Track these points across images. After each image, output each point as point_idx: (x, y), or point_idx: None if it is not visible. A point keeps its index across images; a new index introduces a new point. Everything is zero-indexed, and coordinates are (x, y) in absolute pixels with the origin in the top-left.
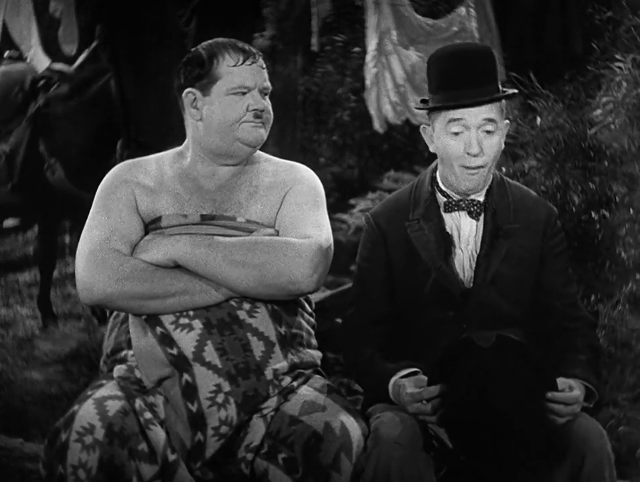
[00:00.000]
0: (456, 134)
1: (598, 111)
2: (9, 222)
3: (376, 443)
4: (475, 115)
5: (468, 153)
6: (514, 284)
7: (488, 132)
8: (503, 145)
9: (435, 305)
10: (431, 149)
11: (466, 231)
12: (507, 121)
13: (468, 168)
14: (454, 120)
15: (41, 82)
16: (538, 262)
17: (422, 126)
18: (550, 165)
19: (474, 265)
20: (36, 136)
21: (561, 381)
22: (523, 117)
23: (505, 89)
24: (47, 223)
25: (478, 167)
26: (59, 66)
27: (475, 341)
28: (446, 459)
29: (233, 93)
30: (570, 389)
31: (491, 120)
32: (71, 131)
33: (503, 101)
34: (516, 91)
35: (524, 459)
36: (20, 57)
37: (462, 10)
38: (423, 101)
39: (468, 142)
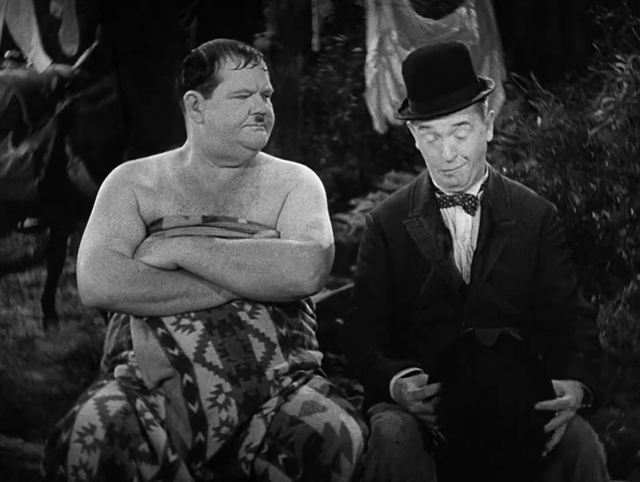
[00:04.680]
0: (430, 140)
1: (599, 111)
2: (29, 223)
3: (377, 443)
4: (444, 123)
5: (442, 158)
6: (511, 281)
7: (462, 135)
8: (491, 136)
9: (434, 302)
10: (416, 145)
11: (461, 226)
12: (492, 111)
13: (446, 171)
14: (425, 127)
15: (67, 83)
16: (535, 258)
17: (407, 123)
18: (551, 165)
19: (471, 261)
20: (63, 135)
21: (555, 385)
22: (524, 117)
23: (485, 79)
24: (62, 222)
25: (456, 168)
26: (78, 71)
27: (477, 338)
28: (447, 459)
29: (235, 96)
30: (562, 394)
31: (462, 123)
32: (96, 131)
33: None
34: (488, 91)
35: (518, 459)
36: (21, 58)
37: (462, 10)
38: (406, 100)
39: (440, 148)
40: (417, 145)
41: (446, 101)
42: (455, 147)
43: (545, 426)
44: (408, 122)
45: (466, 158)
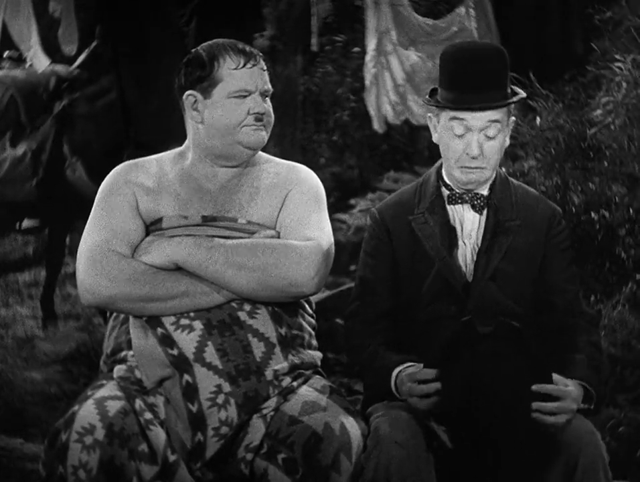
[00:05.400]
0: (458, 135)
1: (598, 111)
2: (28, 223)
3: (376, 443)
4: (478, 118)
5: (467, 154)
6: (514, 280)
7: (491, 133)
8: (508, 141)
9: (437, 299)
10: (434, 139)
11: (468, 224)
12: (513, 118)
13: (467, 168)
14: (457, 119)
15: (66, 83)
16: (540, 260)
17: (428, 115)
18: (550, 165)
19: (475, 259)
20: (61, 135)
21: (556, 379)
22: (523, 117)
23: (514, 88)
24: (60, 223)
25: (477, 168)
26: (77, 71)
27: (475, 326)
28: (446, 459)
29: (234, 96)
30: (565, 386)
31: (495, 122)
32: (94, 131)
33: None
34: (524, 95)
35: (516, 448)
36: (20, 57)
37: (462, 10)
38: (434, 89)
39: (468, 143)
40: (435, 138)
41: (487, 96)
42: (482, 145)
43: (540, 405)
44: (430, 113)
45: (488, 159)
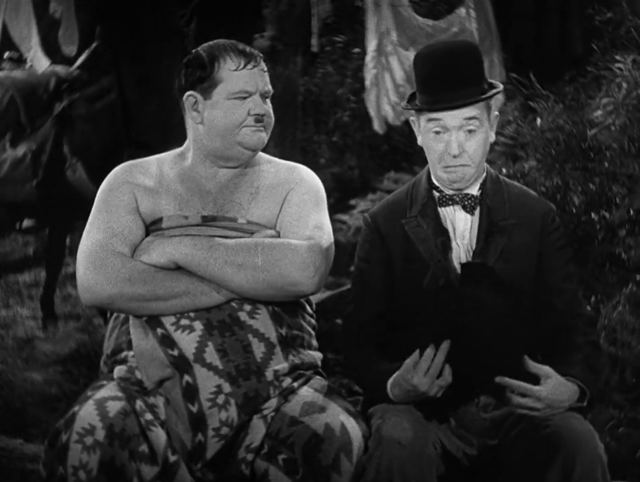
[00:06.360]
0: (437, 133)
1: (598, 112)
2: (28, 222)
3: (378, 444)
4: (454, 116)
5: (448, 153)
6: (511, 281)
7: (470, 131)
8: (494, 137)
9: (433, 301)
10: (418, 142)
11: (460, 225)
12: (497, 113)
13: (450, 167)
14: (434, 120)
15: (65, 84)
16: (536, 259)
17: (411, 119)
18: (550, 165)
19: (470, 260)
20: (61, 135)
21: (532, 365)
22: (523, 118)
23: (493, 82)
24: (60, 223)
25: (460, 165)
26: (77, 72)
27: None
28: (448, 459)
29: (235, 97)
30: (545, 378)
31: (472, 118)
32: (94, 132)
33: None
34: (500, 89)
35: (512, 449)
36: (20, 58)
37: (462, 11)
38: (412, 94)
39: (448, 142)
40: (419, 141)
41: (459, 94)
42: (462, 143)
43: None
44: (412, 117)
45: (470, 156)
